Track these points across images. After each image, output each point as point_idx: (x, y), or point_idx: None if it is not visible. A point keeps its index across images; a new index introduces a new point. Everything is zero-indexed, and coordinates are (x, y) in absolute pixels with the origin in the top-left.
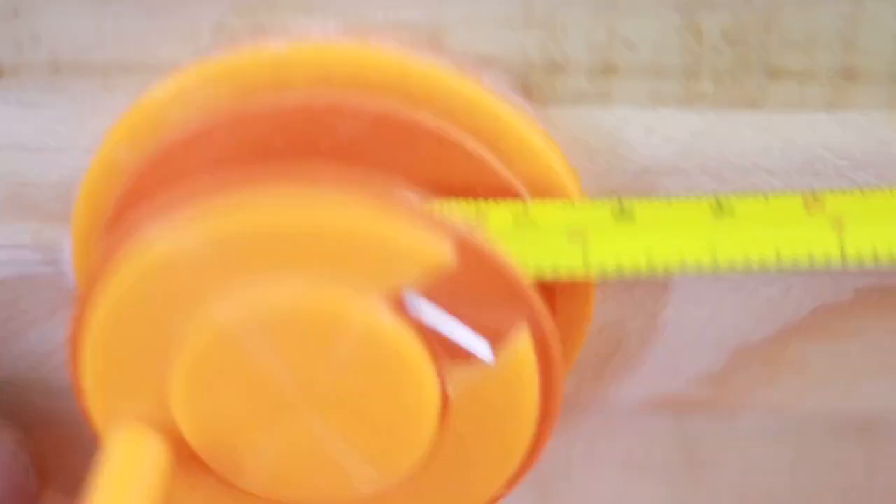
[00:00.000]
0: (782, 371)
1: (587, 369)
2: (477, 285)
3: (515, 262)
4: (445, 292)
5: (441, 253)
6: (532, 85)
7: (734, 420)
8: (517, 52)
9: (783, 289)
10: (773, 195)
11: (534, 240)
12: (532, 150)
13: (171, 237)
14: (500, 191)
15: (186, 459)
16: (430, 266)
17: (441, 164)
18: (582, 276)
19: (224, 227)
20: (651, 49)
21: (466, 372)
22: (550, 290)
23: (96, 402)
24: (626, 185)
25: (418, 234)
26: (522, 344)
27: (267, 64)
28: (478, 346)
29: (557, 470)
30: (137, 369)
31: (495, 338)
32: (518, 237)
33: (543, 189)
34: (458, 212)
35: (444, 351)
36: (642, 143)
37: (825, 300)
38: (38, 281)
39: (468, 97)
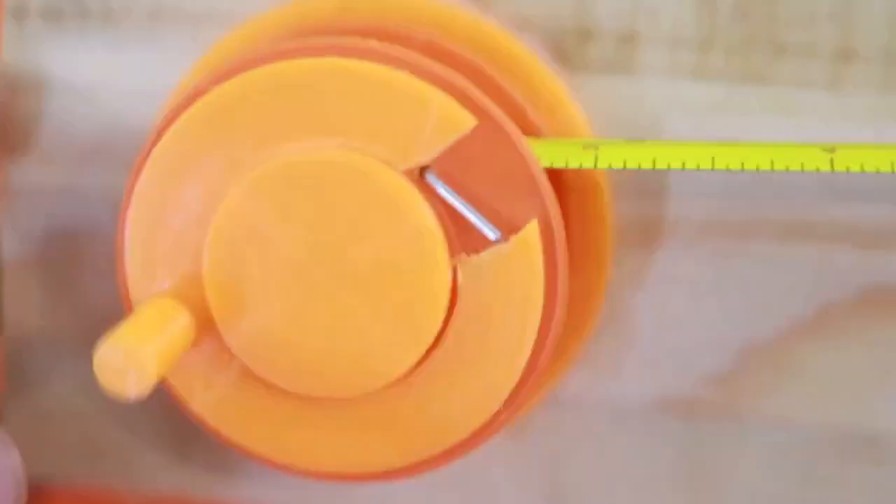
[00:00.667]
0: (788, 377)
1: (599, 364)
2: (493, 169)
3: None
4: (463, 175)
5: (463, 118)
6: (565, 50)
7: (742, 428)
8: (553, 19)
9: (789, 285)
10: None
11: (552, 147)
12: (559, 102)
13: (215, 92)
14: (526, 129)
15: (214, 347)
16: (453, 130)
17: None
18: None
19: (264, 84)
20: (671, 22)
21: (477, 260)
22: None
23: (134, 274)
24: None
25: (445, 96)
26: (531, 234)
27: (330, 9)
28: (488, 229)
29: (568, 469)
30: (175, 238)
31: (506, 228)
32: (535, 142)
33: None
34: None
35: (458, 239)
36: (661, 115)
37: (831, 298)
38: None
39: (507, 48)
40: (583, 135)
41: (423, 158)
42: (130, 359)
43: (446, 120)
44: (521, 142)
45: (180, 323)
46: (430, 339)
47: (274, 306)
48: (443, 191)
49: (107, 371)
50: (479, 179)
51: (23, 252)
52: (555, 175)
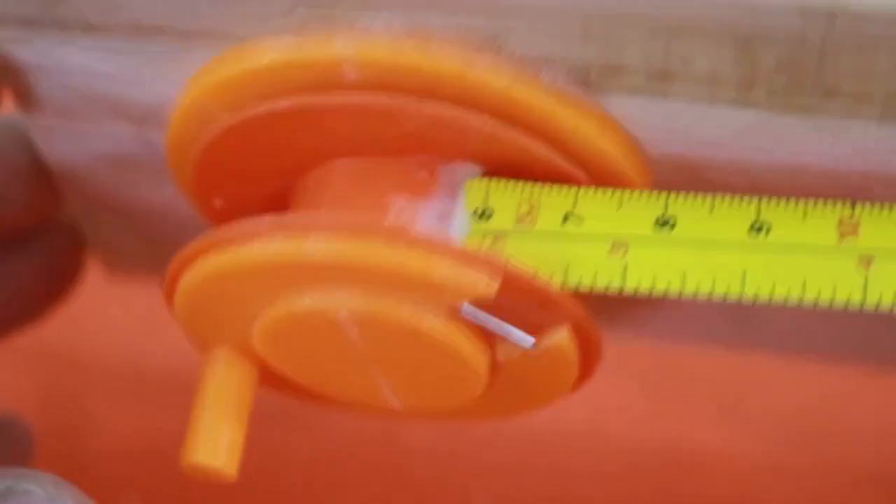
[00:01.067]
0: None
1: None
2: (521, 303)
3: (555, 286)
4: (493, 304)
5: (485, 287)
6: (590, 80)
7: None
8: (576, 57)
9: None
10: (811, 210)
11: (578, 251)
12: (586, 139)
13: (243, 253)
14: (556, 175)
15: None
16: (476, 297)
17: (496, 155)
18: (619, 290)
19: (287, 255)
20: (707, 66)
21: (514, 346)
22: None
23: (190, 335)
24: (676, 169)
25: (463, 272)
26: (564, 339)
27: (336, 58)
28: (523, 338)
29: None
30: (223, 328)
31: (539, 331)
32: (564, 244)
33: (601, 173)
34: (514, 196)
35: (495, 335)
36: (697, 129)
37: None
38: (141, 160)
39: (523, 97)
40: (614, 162)
41: (451, 303)
42: (212, 472)
43: (465, 288)
44: (543, 284)
45: (248, 391)
46: (472, 397)
47: (327, 375)
48: (472, 314)
49: (197, 475)
50: (508, 309)
51: (72, 174)
52: None
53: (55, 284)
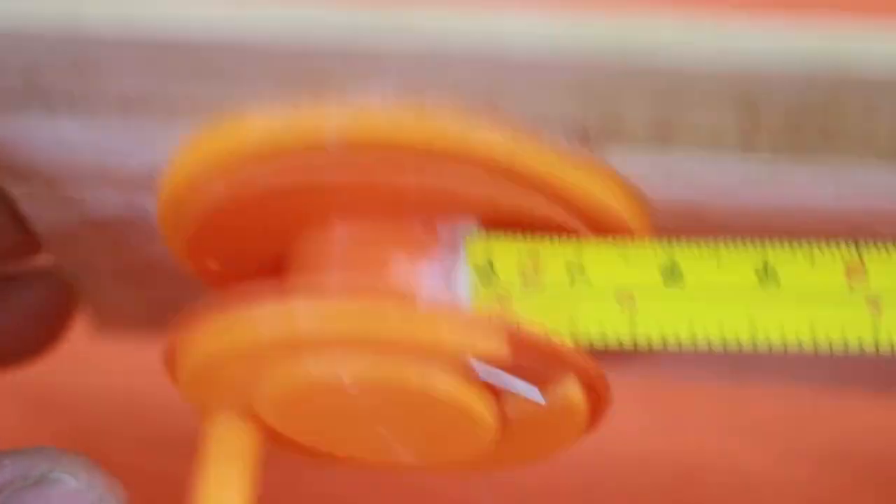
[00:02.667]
0: None
1: None
2: (530, 360)
3: (564, 341)
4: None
5: (496, 351)
6: (589, 138)
7: None
8: (574, 115)
9: None
10: (819, 255)
11: (585, 305)
12: (586, 194)
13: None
14: (556, 228)
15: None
16: (486, 360)
17: (495, 210)
18: (628, 342)
19: (291, 332)
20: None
21: (524, 401)
22: None
23: (191, 403)
24: (678, 214)
25: (474, 339)
26: (573, 391)
27: (330, 130)
28: (531, 392)
29: None
30: (225, 396)
31: (548, 384)
32: (571, 298)
33: (602, 223)
34: (516, 251)
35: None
36: (699, 178)
37: None
38: (129, 222)
39: (524, 158)
40: (617, 216)
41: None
42: None
43: (477, 353)
44: (552, 342)
45: (253, 455)
46: (482, 450)
47: (331, 437)
48: (481, 370)
49: None
50: (515, 363)
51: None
52: None
53: (41, 329)
